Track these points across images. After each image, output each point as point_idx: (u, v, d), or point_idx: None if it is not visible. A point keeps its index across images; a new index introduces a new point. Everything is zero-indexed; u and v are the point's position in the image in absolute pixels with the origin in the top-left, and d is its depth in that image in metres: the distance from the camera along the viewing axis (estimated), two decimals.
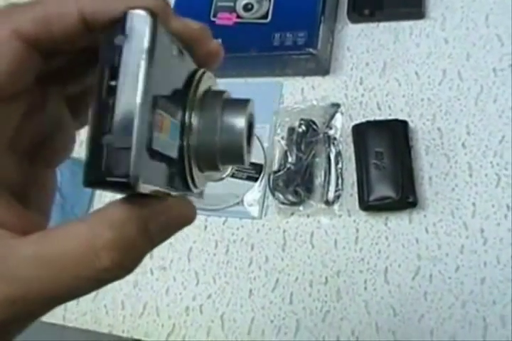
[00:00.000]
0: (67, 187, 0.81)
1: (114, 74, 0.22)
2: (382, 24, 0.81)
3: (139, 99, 0.22)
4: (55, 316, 0.81)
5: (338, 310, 0.71)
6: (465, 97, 0.74)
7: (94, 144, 0.22)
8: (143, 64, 0.22)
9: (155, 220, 0.24)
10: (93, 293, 0.80)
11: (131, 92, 0.22)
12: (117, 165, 0.22)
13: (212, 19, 0.83)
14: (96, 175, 0.22)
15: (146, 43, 0.23)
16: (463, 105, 0.74)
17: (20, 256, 0.23)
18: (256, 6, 0.81)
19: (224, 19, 0.82)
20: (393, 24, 0.81)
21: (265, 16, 0.80)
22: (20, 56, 0.24)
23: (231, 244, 0.77)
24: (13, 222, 0.25)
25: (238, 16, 0.81)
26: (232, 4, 0.82)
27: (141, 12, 0.23)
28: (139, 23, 0.23)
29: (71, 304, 0.80)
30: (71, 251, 0.23)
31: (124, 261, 0.23)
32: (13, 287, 0.23)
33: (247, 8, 0.81)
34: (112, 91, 0.22)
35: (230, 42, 0.81)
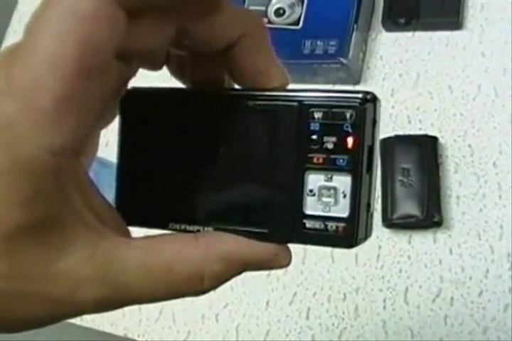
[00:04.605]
0: None
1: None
2: (417, 33, 0.79)
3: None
4: None
5: (355, 328, 0.69)
6: (499, 114, 0.72)
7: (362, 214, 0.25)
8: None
9: (252, 267, 0.26)
10: None
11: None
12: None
13: None
14: (359, 238, 0.25)
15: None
16: (497, 122, 0.71)
17: (126, 261, 0.23)
18: (288, 12, 0.79)
19: None
20: (429, 34, 0.78)
21: (296, 22, 0.78)
22: (117, 19, 0.21)
23: None
24: (108, 218, 0.25)
25: (269, 21, 0.79)
26: (263, 8, 0.80)
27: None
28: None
29: None
30: (180, 270, 0.24)
31: (215, 287, 0.25)
32: (110, 290, 0.23)
33: (279, 13, 0.79)
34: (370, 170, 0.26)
35: None
